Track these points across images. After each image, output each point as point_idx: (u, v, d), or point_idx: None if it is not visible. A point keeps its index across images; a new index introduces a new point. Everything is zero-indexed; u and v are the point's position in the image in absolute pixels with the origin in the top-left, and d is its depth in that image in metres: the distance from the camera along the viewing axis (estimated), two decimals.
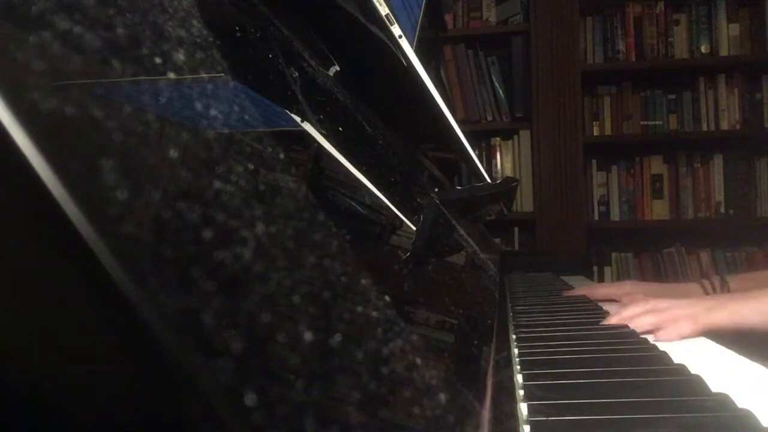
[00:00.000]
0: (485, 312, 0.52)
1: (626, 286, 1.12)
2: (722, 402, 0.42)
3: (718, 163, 2.47)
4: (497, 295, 0.76)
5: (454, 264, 0.60)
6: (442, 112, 0.77)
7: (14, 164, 0.13)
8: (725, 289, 1.09)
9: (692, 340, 0.76)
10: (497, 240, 2.37)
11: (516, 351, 0.60)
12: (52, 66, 0.16)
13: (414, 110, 0.77)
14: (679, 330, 0.74)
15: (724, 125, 2.44)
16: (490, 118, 2.56)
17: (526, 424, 0.39)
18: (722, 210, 2.45)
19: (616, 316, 0.79)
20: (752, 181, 2.44)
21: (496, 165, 2.55)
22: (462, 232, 0.73)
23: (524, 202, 2.51)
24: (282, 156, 0.27)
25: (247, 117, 0.26)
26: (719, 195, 2.45)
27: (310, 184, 0.29)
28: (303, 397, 0.17)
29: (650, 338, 0.66)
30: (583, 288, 1.15)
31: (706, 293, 1.09)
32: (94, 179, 0.15)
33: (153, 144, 0.18)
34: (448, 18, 2.48)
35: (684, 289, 1.12)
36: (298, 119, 0.34)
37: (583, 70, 2.45)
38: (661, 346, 0.61)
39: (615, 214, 2.51)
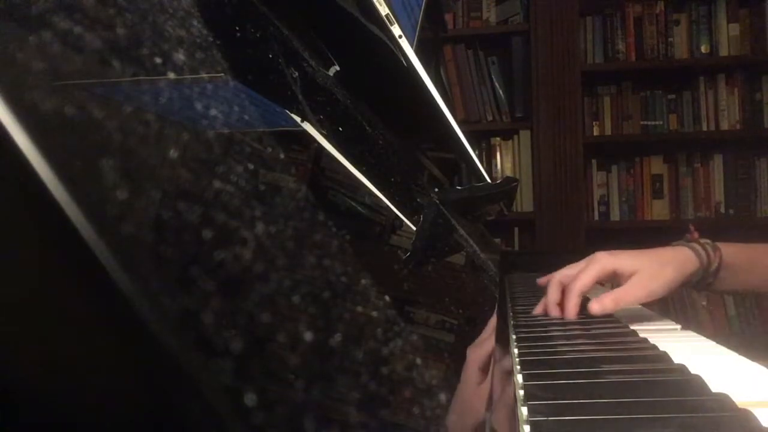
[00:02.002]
0: (485, 312, 0.52)
1: (603, 259, 0.84)
2: (722, 402, 0.42)
3: (718, 163, 2.47)
4: (497, 295, 0.76)
5: (454, 264, 0.60)
6: (442, 112, 0.77)
7: (14, 164, 0.13)
8: (717, 255, 0.89)
9: (692, 340, 0.76)
10: (497, 240, 2.37)
11: (516, 351, 0.60)
12: (52, 66, 0.16)
13: (414, 110, 0.77)
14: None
15: (724, 125, 2.44)
16: (490, 118, 2.56)
17: (526, 424, 0.39)
18: (722, 210, 2.45)
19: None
20: (752, 181, 2.44)
21: (496, 165, 2.55)
22: (462, 232, 0.73)
23: (524, 202, 2.51)
24: (282, 156, 0.27)
25: (247, 117, 0.26)
26: (719, 195, 2.45)
27: (310, 184, 0.29)
28: (303, 396, 0.17)
29: (650, 338, 0.65)
30: (554, 292, 0.85)
31: (701, 260, 0.88)
32: (94, 179, 0.15)
33: (153, 144, 0.18)
34: (448, 18, 2.48)
35: (672, 255, 0.88)
36: (298, 119, 0.34)
37: (583, 70, 2.45)
38: (661, 346, 0.61)
39: (615, 214, 2.51)
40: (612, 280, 0.87)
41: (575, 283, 0.82)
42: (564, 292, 0.83)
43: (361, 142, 0.47)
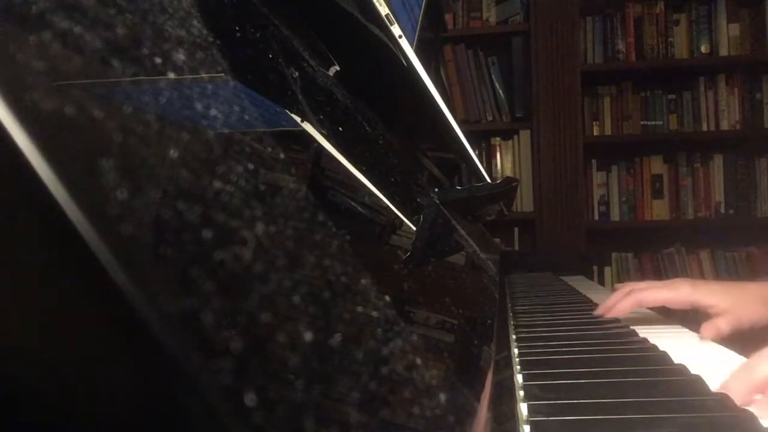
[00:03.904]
0: (485, 312, 0.52)
1: (683, 286, 0.81)
2: (722, 402, 0.42)
3: (718, 163, 2.47)
4: (497, 295, 0.76)
5: (454, 264, 0.60)
6: (442, 112, 0.77)
7: (14, 164, 0.13)
8: None
9: (692, 340, 0.76)
10: (497, 240, 2.37)
11: (516, 351, 0.60)
12: (52, 66, 0.16)
13: (414, 110, 0.77)
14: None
15: (724, 125, 2.44)
16: (490, 118, 2.56)
17: (526, 424, 0.39)
18: (722, 210, 2.45)
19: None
20: (752, 181, 2.44)
21: (496, 165, 2.55)
22: (462, 232, 0.73)
23: (524, 202, 2.51)
24: (282, 156, 0.27)
25: (247, 117, 0.26)
26: (719, 195, 2.45)
27: (310, 184, 0.29)
28: (303, 397, 0.17)
29: (650, 338, 0.65)
30: (619, 294, 0.84)
31: None
32: (95, 179, 0.15)
33: (153, 144, 0.18)
34: (448, 18, 2.48)
35: (761, 291, 0.81)
36: (298, 119, 0.34)
37: (583, 70, 2.45)
38: (661, 346, 0.61)
39: (615, 214, 2.51)
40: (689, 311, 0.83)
41: (640, 293, 0.81)
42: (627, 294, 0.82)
43: (361, 142, 0.47)
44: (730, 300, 0.78)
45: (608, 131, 2.52)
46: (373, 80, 0.63)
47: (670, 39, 2.48)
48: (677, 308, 0.82)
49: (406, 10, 0.78)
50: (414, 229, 0.45)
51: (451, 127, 0.83)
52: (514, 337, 0.67)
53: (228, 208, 0.19)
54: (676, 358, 0.55)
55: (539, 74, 2.45)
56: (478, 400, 0.30)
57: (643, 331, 0.71)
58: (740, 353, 0.65)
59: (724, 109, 2.44)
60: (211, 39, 0.27)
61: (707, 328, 0.76)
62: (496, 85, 2.55)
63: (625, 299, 0.81)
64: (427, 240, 0.46)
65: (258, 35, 0.36)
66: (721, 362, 0.62)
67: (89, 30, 0.19)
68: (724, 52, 2.45)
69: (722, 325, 0.76)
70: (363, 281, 0.26)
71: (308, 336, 0.19)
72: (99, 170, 0.15)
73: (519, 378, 0.49)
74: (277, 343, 0.18)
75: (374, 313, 0.25)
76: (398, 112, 0.72)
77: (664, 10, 2.49)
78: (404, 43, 0.62)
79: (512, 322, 0.77)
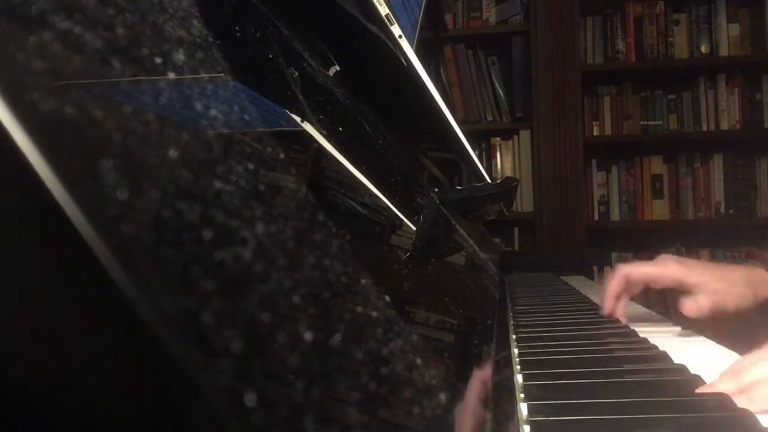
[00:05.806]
0: (485, 312, 0.52)
1: (671, 263, 0.81)
2: (722, 402, 0.42)
3: (718, 163, 2.47)
4: (497, 295, 0.76)
5: (454, 264, 0.60)
6: (442, 112, 0.77)
7: (14, 164, 0.13)
8: None
9: (692, 339, 0.76)
10: (497, 240, 2.37)
11: (516, 351, 0.60)
12: (52, 66, 0.16)
13: (414, 110, 0.77)
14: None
15: (724, 125, 2.44)
16: (490, 118, 2.56)
17: (526, 424, 0.39)
18: (722, 210, 2.45)
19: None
20: (752, 181, 2.44)
21: (496, 165, 2.55)
22: (462, 232, 0.73)
23: (524, 202, 2.51)
24: (282, 156, 0.27)
25: (247, 117, 0.26)
26: (719, 195, 2.45)
27: (310, 184, 0.29)
28: (303, 396, 0.17)
29: (650, 338, 0.65)
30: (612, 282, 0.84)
31: None
32: (94, 179, 0.15)
33: (153, 144, 0.18)
34: (448, 18, 2.48)
35: (746, 274, 0.81)
36: (298, 119, 0.34)
37: (583, 70, 2.45)
38: (662, 346, 0.61)
39: (615, 214, 2.51)
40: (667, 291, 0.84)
41: (629, 267, 0.82)
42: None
43: (361, 142, 0.47)
44: (716, 280, 0.78)
45: (608, 131, 2.52)
46: (373, 80, 0.63)
47: (670, 39, 2.48)
48: (664, 285, 0.82)
49: (406, 10, 0.78)
50: (414, 229, 0.45)
51: (451, 127, 0.84)
52: (514, 337, 0.67)
53: (228, 208, 0.19)
54: (676, 358, 0.55)
55: (539, 74, 2.45)
56: (478, 399, 0.30)
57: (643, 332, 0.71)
58: (730, 343, 0.65)
59: (724, 109, 2.44)
60: (211, 39, 0.27)
61: (689, 304, 0.76)
62: (496, 85, 2.55)
63: (613, 280, 0.82)
64: (427, 240, 0.46)
65: (258, 35, 0.36)
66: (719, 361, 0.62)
67: (89, 30, 0.19)
68: (724, 52, 2.44)
69: (704, 302, 0.76)
70: (363, 281, 0.26)
71: (308, 336, 0.19)
72: (99, 170, 0.15)
73: (519, 378, 0.49)
74: (277, 342, 0.18)
75: (374, 313, 0.25)
76: (398, 112, 0.72)
77: (664, 10, 2.49)
78: (404, 43, 0.62)
79: (512, 322, 0.77)
